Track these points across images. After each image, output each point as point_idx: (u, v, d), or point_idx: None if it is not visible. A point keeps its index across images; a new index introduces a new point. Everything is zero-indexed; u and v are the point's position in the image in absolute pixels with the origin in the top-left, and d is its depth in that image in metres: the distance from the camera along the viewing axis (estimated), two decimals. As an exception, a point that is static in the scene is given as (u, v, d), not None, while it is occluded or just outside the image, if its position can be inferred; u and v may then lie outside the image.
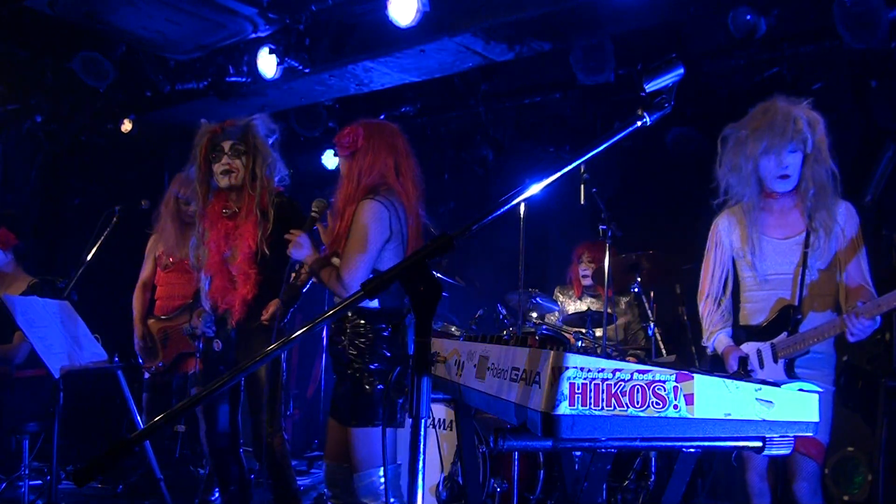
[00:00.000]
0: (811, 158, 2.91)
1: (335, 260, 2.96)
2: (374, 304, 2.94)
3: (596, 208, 4.51)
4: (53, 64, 6.19)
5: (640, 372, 1.40)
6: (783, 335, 2.93)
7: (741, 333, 3.09)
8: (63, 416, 3.69)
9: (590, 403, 1.37)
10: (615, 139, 1.58)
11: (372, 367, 2.91)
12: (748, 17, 4.20)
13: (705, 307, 3.18)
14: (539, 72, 5.67)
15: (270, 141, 3.61)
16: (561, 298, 5.42)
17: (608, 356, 1.49)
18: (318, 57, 5.21)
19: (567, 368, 1.37)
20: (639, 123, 1.59)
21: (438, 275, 4.70)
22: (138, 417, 4.16)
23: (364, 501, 2.89)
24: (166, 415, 1.43)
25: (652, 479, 4.20)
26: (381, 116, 6.13)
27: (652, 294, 4.88)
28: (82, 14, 4.90)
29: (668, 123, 5.28)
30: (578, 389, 1.37)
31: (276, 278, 3.32)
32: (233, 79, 5.70)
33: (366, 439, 2.89)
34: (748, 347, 3.02)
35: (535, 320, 5.03)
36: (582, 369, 1.37)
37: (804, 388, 1.48)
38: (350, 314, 2.97)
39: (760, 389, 1.45)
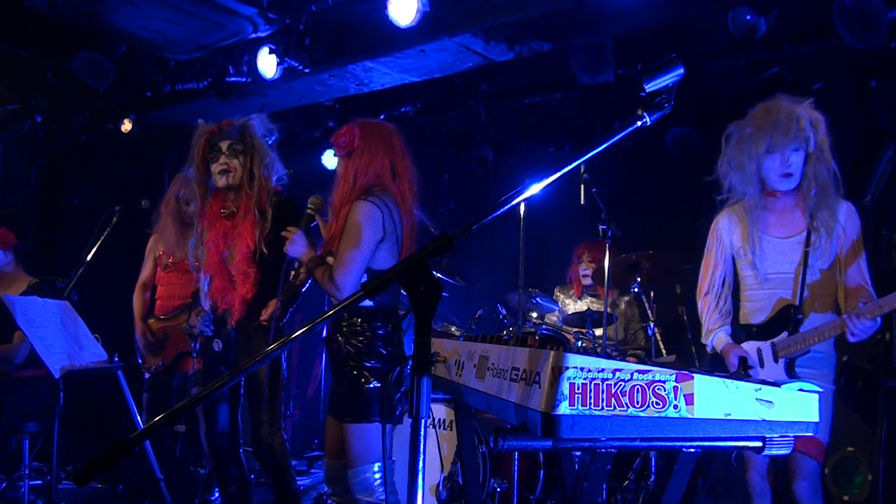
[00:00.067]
0: (813, 157, 2.92)
1: (330, 259, 2.97)
2: (369, 302, 2.95)
3: (596, 208, 4.51)
4: (53, 64, 6.20)
5: (640, 372, 1.40)
6: (783, 335, 2.93)
7: (741, 332, 3.09)
8: (63, 416, 3.69)
9: (590, 403, 1.37)
10: (615, 139, 1.58)
11: (368, 364, 2.94)
12: (748, 17, 4.20)
13: (705, 305, 3.18)
14: (539, 72, 5.66)
15: (268, 141, 3.62)
16: (561, 298, 5.42)
17: (608, 356, 1.49)
18: (318, 57, 5.21)
19: (567, 368, 1.37)
20: (639, 123, 1.59)
21: (438, 275, 4.70)
22: (138, 417, 4.16)
23: (359, 497, 2.90)
24: (166, 415, 1.43)
25: (652, 479, 4.20)
26: (381, 116, 6.13)
27: (652, 294, 4.88)
28: (82, 14, 4.90)
29: (668, 123, 5.28)
30: (578, 389, 1.37)
31: (275, 277, 3.33)
32: (233, 79, 5.70)
33: (361, 435, 2.90)
34: (748, 346, 3.02)
35: (535, 320, 5.03)
36: (582, 369, 1.37)
37: (804, 388, 1.48)
38: (346, 315, 2.98)
39: (760, 389, 1.45)
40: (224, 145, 3.46)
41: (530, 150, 6.18)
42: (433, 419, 4.07)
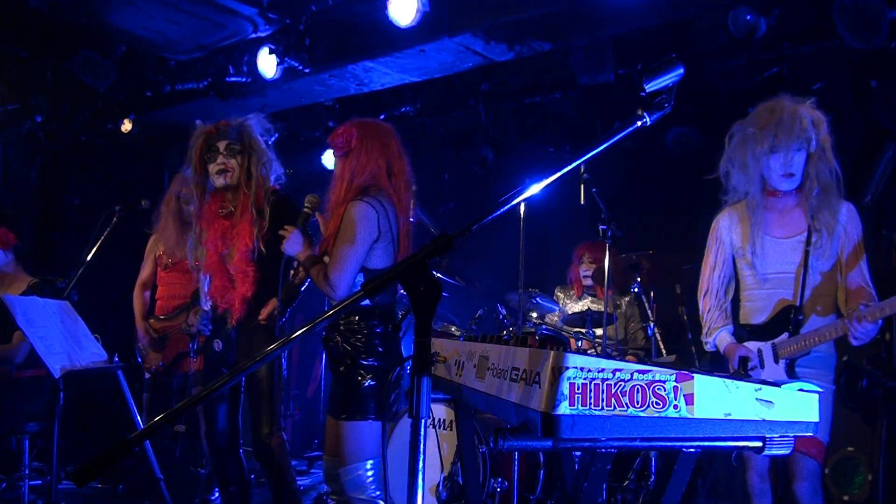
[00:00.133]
0: (815, 158, 2.92)
1: (326, 258, 2.99)
2: (366, 300, 2.96)
3: (596, 208, 4.51)
4: (53, 64, 6.20)
5: (640, 372, 1.40)
6: (784, 335, 2.93)
7: (741, 332, 3.09)
8: (63, 416, 3.69)
9: (590, 403, 1.37)
10: (615, 139, 1.58)
11: (365, 362, 2.95)
12: (748, 17, 4.20)
13: (706, 304, 3.18)
14: (539, 72, 5.66)
15: (267, 140, 3.63)
16: (561, 298, 5.42)
17: (608, 356, 1.49)
18: (318, 57, 5.21)
19: (567, 368, 1.37)
20: (639, 123, 1.58)
21: (438, 275, 4.70)
22: (138, 417, 4.15)
23: (351, 495, 2.91)
24: (166, 415, 1.43)
25: (652, 479, 4.20)
26: (381, 116, 6.13)
27: (652, 294, 4.88)
28: (82, 14, 4.90)
29: (668, 123, 5.28)
30: (578, 389, 1.37)
31: (274, 276, 3.34)
32: (233, 79, 5.70)
33: (354, 433, 2.91)
34: (749, 346, 3.02)
35: (535, 320, 5.03)
36: (582, 369, 1.37)
37: (804, 388, 1.48)
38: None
39: (760, 389, 1.45)
40: (222, 145, 3.47)
41: (530, 150, 6.18)
42: (433, 419, 4.07)
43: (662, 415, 1.40)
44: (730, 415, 1.43)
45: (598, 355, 1.43)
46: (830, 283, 2.98)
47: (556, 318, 5.24)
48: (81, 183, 6.87)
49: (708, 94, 5.08)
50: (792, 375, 2.89)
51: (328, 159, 6.63)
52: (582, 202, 4.45)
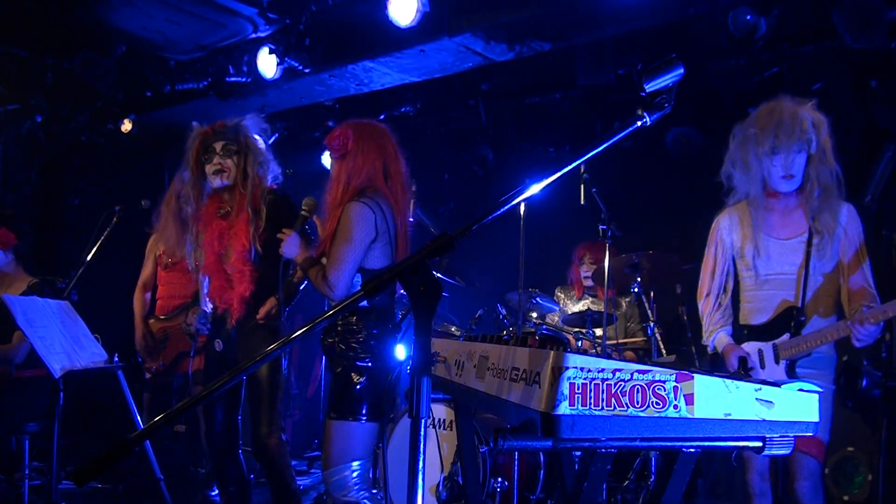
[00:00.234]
0: (815, 159, 2.91)
1: (324, 260, 2.99)
2: (364, 301, 2.96)
3: (596, 208, 4.51)
4: (53, 64, 6.20)
5: (640, 372, 1.40)
6: (786, 336, 2.93)
7: (741, 332, 3.09)
8: (63, 416, 3.69)
9: (590, 403, 1.37)
10: (615, 139, 1.58)
11: (360, 364, 2.95)
12: (748, 17, 4.20)
13: (705, 305, 3.18)
14: (539, 72, 5.66)
15: (264, 140, 3.63)
16: (562, 299, 5.42)
17: (608, 356, 1.49)
18: (318, 57, 5.21)
19: (567, 368, 1.37)
20: (639, 123, 1.58)
21: (438, 275, 4.70)
22: (138, 417, 4.15)
23: (335, 496, 2.91)
24: (166, 415, 1.43)
25: (652, 479, 4.20)
26: (381, 116, 6.13)
27: (652, 294, 4.88)
28: (82, 13, 4.90)
29: (668, 123, 5.28)
30: (578, 389, 1.37)
31: (272, 275, 3.34)
32: (233, 79, 5.70)
33: (342, 433, 2.91)
34: (749, 347, 3.02)
35: (535, 320, 5.03)
36: (582, 369, 1.37)
37: (804, 388, 1.48)
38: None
39: (760, 389, 1.45)
40: (218, 146, 3.48)
41: (530, 150, 6.18)
42: (433, 419, 4.07)
43: (662, 415, 1.40)
44: (730, 415, 1.43)
45: (598, 355, 1.43)
46: (832, 284, 2.98)
47: (556, 318, 5.24)
48: (81, 183, 6.87)
49: (708, 94, 5.08)
50: (792, 376, 2.89)
51: (328, 159, 6.63)
52: (582, 202, 4.45)
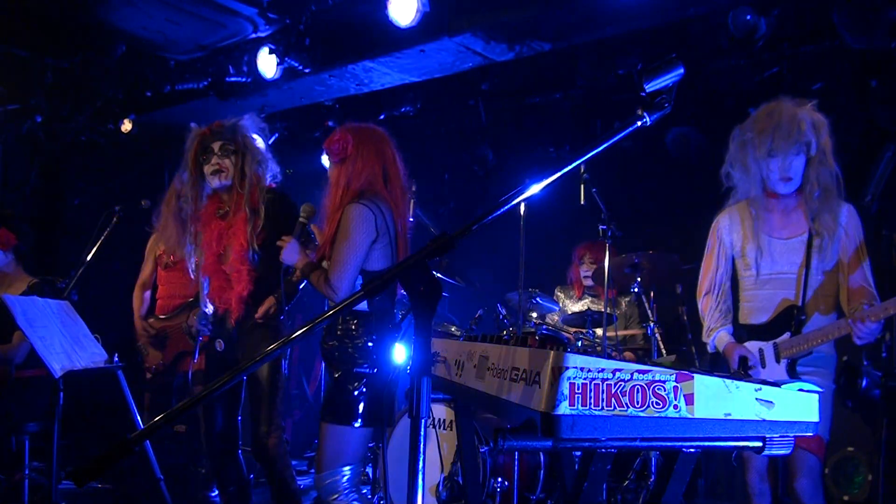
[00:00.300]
0: (815, 161, 2.91)
1: (325, 264, 2.99)
2: (364, 306, 2.97)
3: (596, 208, 4.51)
4: (53, 64, 6.20)
5: (640, 372, 1.40)
6: (786, 335, 2.93)
7: (742, 332, 3.09)
8: (63, 416, 3.68)
9: (590, 403, 1.37)
10: (615, 139, 1.58)
11: (357, 370, 2.94)
12: (748, 17, 4.20)
13: (706, 305, 3.18)
14: (539, 72, 5.66)
15: (263, 139, 3.63)
16: (562, 298, 5.42)
17: (608, 356, 1.49)
18: (318, 57, 5.21)
19: (567, 368, 1.37)
20: (639, 123, 1.58)
21: (438, 275, 4.70)
22: (138, 417, 4.15)
23: (326, 500, 2.91)
24: (166, 415, 1.43)
25: (652, 479, 4.20)
26: (381, 116, 6.13)
27: (652, 294, 4.88)
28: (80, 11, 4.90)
29: (668, 123, 5.28)
30: (578, 389, 1.37)
31: (271, 275, 3.33)
32: (233, 79, 5.70)
33: (336, 437, 2.91)
34: (750, 346, 3.03)
35: (535, 320, 5.03)
36: (582, 369, 1.37)
37: (804, 388, 1.48)
38: (340, 318, 2.99)
39: (760, 389, 1.45)
40: (216, 146, 3.48)
41: (530, 150, 6.18)
42: (433, 419, 4.07)
43: (662, 415, 1.40)
44: (730, 415, 1.43)
45: (597, 355, 1.43)
46: (832, 283, 2.98)
47: (556, 318, 5.24)
48: (81, 183, 6.87)
49: (708, 94, 5.08)
50: (793, 375, 2.90)
51: (327, 161, 6.62)
52: (582, 202, 4.45)
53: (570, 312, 5.11)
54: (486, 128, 6.19)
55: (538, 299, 4.87)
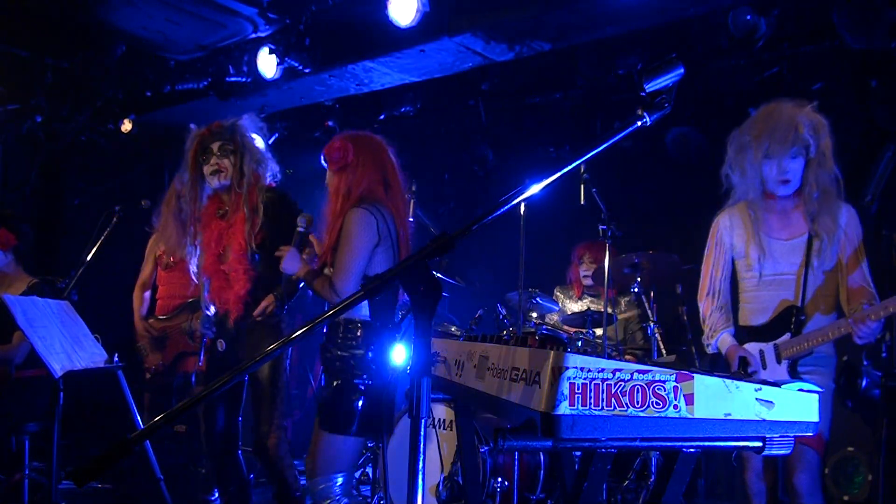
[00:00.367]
0: (814, 163, 2.91)
1: (327, 270, 2.99)
2: (365, 315, 2.97)
3: (596, 208, 4.51)
4: (53, 64, 6.20)
5: (640, 372, 1.40)
6: (786, 336, 2.94)
7: (742, 333, 3.09)
8: (63, 416, 3.68)
9: (590, 403, 1.37)
10: (615, 139, 1.58)
11: (357, 381, 2.94)
12: (748, 17, 4.20)
13: (706, 307, 3.18)
14: (539, 72, 5.66)
15: (260, 139, 3.63)
16: (561, 299, 5.42)
17: (608, 356, 1.49)
18: (318, 57, 5.21)
19: (567, 368, 1.37)
20: (639, 123, 1.59)
21: (438, 275, 4.70)
22: (138, 417, 4.15)
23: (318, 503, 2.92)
24: (166, 415, 1.43)
25: (652, 479, 4.20)
26: (381, 116, 6.13)
27: (652, 294, 4.88)
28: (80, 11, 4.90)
29: (668, 123, 5.28)
30: (578, 389, 1.37)
31: (270, 274, 3.33)
32: (233, 79, 5.70)
33: (331, 445, 2.92)
34: (750, 347, 3.03)
35: (535, 320, 5.03)
36: (582, 369, 1.37)
37: (804, 388, 1.49)
38: (342, 326, 2.98)
39: (760, 389, 1.45)
40: (215, 146, 3.49)
41: (530, 150, 6.18)
42: (433, 419, 4.07)
43: (662, 415, 1.40)
44: (730, 415, 1.43)
45: (597, 355, 1.43)
46: (832, 283, 2.98)
47: (556, 318, 5.24)
48: (81, 183, 6.87)
49: (708, 94, 5.08)
50: (794, 376, 2.90)
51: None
52: (582, 202, 4.45)
53: (569, 312, 5.11)
54: (486, 128, 6.19)
55: (538, 299, 4.86)
